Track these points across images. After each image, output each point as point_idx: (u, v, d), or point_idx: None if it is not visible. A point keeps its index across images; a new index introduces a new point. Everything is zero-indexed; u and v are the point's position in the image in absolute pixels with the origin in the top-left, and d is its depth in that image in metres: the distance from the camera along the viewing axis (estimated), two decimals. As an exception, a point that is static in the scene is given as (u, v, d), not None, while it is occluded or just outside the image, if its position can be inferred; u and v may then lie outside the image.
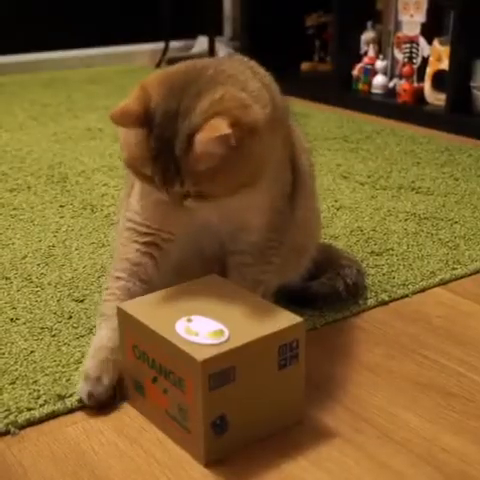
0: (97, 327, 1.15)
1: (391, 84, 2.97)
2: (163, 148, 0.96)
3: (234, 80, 1.00)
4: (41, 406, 1.06)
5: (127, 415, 1.06)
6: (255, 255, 1.15)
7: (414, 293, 1.42)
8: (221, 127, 0.92)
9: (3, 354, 1.20)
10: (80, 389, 1.07)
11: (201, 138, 0.94)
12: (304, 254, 1.31)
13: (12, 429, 1.02)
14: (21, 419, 1.04)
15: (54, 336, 1.25)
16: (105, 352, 1.09)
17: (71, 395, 1.09)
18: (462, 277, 1.49)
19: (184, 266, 1.17)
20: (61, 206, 1.87)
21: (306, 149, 1.26)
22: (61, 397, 1.08)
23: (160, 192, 1.02)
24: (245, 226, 1.13)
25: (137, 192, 1.15)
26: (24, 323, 1.30)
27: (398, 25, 2.91)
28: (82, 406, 1.07)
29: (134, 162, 1.02)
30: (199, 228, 1.12)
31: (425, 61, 2.80)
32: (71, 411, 1.07)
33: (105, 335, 1.11)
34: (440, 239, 1.66)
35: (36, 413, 1.05)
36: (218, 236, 1.14)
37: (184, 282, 1.09)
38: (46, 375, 1.14)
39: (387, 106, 2.87)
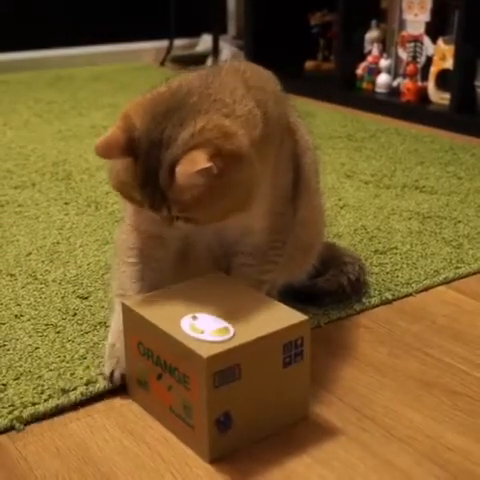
0: (116, 306, 1.14)
1: (395, 83, 2.97)
2: (149, 177, 0.97)
3: (220, 105, 0.98)
4: (45, 400, 1.07)
5: (131, 412, 1.06)
6: (257, 256, 1.15)
7: (418, 292, 1.42)
8: (199, 161, 0.91)
9: (8, 350, 1.20)
10: (115, 372, 1.09)
11: (181, 171, 0.93)
12: (310, 252, 1.31)
13: (17, 424, 1.03)
14: (25, 414, 1.04)
15: (59, 333, 1.26)
16: None
17: (75, 389, 1.09)
18: (466, 276, 1.49)
19: (193, 259, 1.17)
20: (66, 203, 1.87)
21: (310, 146, 1.26)
22: (65, 391, 1.09)
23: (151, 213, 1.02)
24: (246, 230, 1.13)
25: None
26: (29, 320, 1.30)
27: (402, 24, 2.91)
28: (86, 402, 1.08)
29: (123, 187, 1.02)
30: (198, 232, 1.12)
31: (429, 60, 2.80)
32: (75, 405, 1.07)
33: None
34: (444, 238, 1.66)
35: (40, 407, 1.05)
36: (219, 238, 1.14)
37: (193, 276, 1.10)
38: (50, 371, 1.14)
39: (391, 105, 2.87)
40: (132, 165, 0.97)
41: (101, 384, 1.10)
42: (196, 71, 1.08)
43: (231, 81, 1.03)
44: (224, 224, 1.08)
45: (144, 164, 0.96)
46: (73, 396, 1.08)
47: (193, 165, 0.92)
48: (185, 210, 0.98)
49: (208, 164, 0.91)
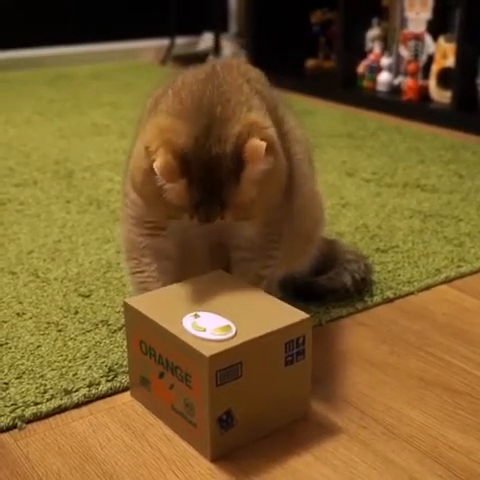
0: None
1: (396, 81, 2.97)
2: (206, 194, 0.99)
3: (240, 105, 1.02)
4: (48, 400, 1.07)
5: (133, 410, 1.07)
6: (255, 250, 1.16)
7: (419, 290, 1.42)
8: (261, 144, 0.97)
9: (10, 348, 1.21)
10: None
11: (251, 149, 0.97)
12: (309, 241, 1.30)
13: (19, 423, 1.03)
14: (28, 413, 1.04)
15: (60, 331, 1.26)
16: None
17: (78, 390, 1.09)
18: (467, 275, 1.49)
19: (191, 253, 1.18)
20: (67, 201, 1.87)
21: (300, 138, 1.26)
22: (68, 392, 1.09)
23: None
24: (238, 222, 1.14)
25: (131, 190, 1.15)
26: (30, 318, 1.30)
27: (404, 22, 2.91)
28: (88, 401, 1.08)
29: (167, 212, 1.05)
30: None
31: (430, 58, 2.80)
32: (77, 406, 1.07)
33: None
34: (445, 237, 1.66)
35: (43, 407, 1.05)
36: (215, 231, 1.14)
37: (192, 269, 1.11)
38: (53, 370, 1.14)
39: (392, 103, 2.87)
40: (184, 188, 0.99)
41: (104, 386, 1.10)
42: (190, 72, 1.09)
43: (233, 78, 1.07)
44: None
45: (200, 183, 0.99)
46: (76, 398, 1.08)
47: (259, 147, 0.97)
48: (239, 214, 1.03)
49: (264, 143, 0.96)
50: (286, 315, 1.00)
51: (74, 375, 1.13)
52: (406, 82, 2.87)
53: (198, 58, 3.56)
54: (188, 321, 0.97)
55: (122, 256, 1.26)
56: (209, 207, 1.00)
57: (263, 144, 0.97)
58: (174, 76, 1.12)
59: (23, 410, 1.05)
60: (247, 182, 0.99)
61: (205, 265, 1.15)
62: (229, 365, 0.93)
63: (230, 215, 1.02)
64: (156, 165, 0.96)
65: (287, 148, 1.17)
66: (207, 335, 0.94)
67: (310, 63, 3.45)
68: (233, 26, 4.14)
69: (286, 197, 1.16)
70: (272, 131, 1.03)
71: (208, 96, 1.03)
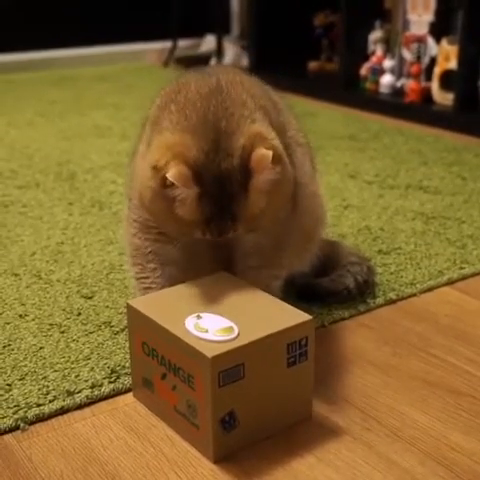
0: None
1: (399, 83, 2.97)
2: (217, 208, 1.00)
3: (245, 120, 1.03)
4: (50, 402, 1.07)
5: (136, 411, 1.07)
6: (263, 255, 1.16)
7: (422, 292, 1.42)
8: (267, 154, 0.98)
9: (12, 350, 1.21)
10: None
11: (257, 160, 0.98)
12: (310, 239, 1.29)
13: (21, 424, 1.03)
14: (30, 415, 1.04)
15: (63, 332, 1.26)
16: None
17: (80, 391, 1.09)
18: (469, 276, 1.49)
19: (195, 261, 1.18)
20: (70, 203, 1.87)
21: (302, 141, 1.26)
22: (70, 393, 1.09)
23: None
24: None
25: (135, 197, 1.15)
26: (33, 319, 1.30)
27: (406, 24, 2.90)
28: (91, 402, 1.08)
29: (179, 229, 1.06)
30: None
31: (433, 60, 2.80)
32: (80, 407, 1.07)
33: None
34: (448, 238, 1.66)
35: (45, 409, 1.06)
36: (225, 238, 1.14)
37: (196, 271, 1.11)
38: (55, 371, 1.14)
39: (394, 105, 2.86)
40: (196, 201, 0.99)
41: (106, 387, 1.11)
42: (193, 86, 1.08)
43: (238, 94, 1.07)
44: None
45: (211, 198, 1.00)
46: (78, 399, 1.08)
47: (265, 156, 0.98)
48: (251, 223, 1.04)
49: (271, 152, 0.98)
50: (289, 316, 1.00)
51: (77, 376, 1.13)
52: (408, 84, 2.86)
53: (200, 60, 3.57)
54: (190, 322, 0.97)
55: (125, 259, 1.28)
56: (220, 222, 1.01)
57: (269, 153, 0.98)
58: (176, 83, 1.11)
59: (26, 411, 1.05)
60: (256, 192, 1.00)
61: (208, 267, 1.15)
62: (231, 366, 0.93)
63: (241, 228, 1.03)
64: (170, 174, 0.97)
65: (290, 155, 1.17)
66: (209, 336, 0.94)
67: (312, 65, 3.45)
68: (235, 28, 4.14)
69: (291, 203, 1.16)
70: (277, 142, 1.04)
71: (212, 111, 1.03)
